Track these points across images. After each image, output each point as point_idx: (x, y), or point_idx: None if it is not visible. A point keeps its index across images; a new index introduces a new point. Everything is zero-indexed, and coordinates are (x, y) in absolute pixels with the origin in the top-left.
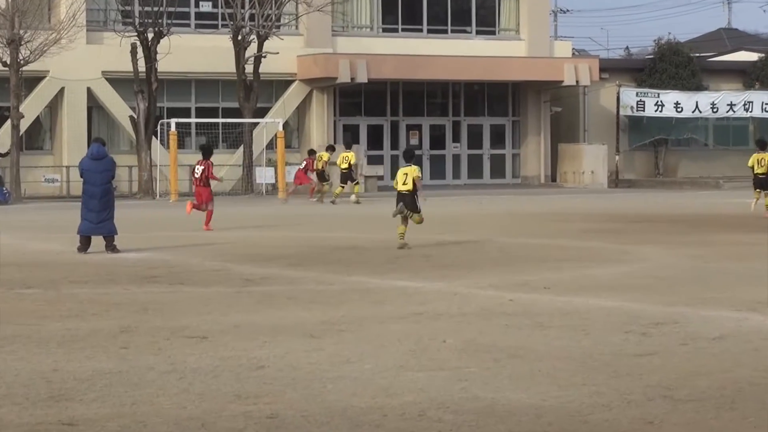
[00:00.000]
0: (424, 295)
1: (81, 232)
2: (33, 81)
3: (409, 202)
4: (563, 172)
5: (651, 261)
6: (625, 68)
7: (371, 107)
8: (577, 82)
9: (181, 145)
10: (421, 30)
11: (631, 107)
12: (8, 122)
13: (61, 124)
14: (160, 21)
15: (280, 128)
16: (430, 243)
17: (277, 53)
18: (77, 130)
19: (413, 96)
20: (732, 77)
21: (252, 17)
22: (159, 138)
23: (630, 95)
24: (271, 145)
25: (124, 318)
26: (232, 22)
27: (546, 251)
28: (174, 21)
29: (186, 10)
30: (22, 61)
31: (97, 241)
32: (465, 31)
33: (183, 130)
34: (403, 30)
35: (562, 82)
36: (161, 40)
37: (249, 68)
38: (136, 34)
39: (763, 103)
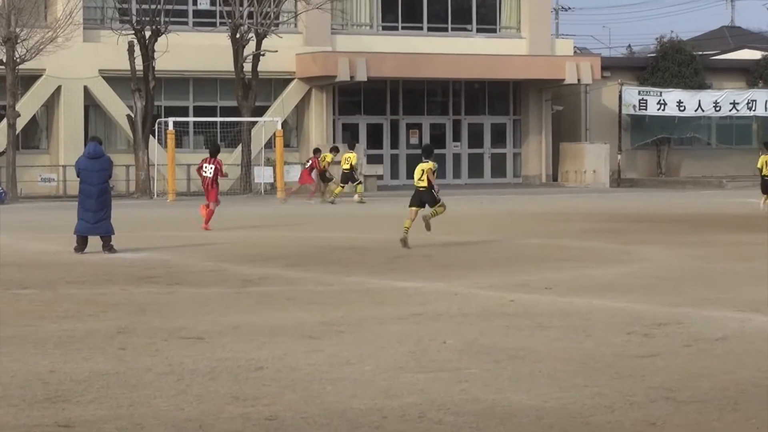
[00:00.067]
0: (424, 296)
1: (78, 232)
2: (29, 79)
3: (427, 198)
4: (565, 172)
5: (653, 261)
6: (627, 66)
7: (371, 106)
8: (578, 80)
9: (178, 144)
10: (421, 28)
11: (633, 106)
12: (4, 121)
13: (58, 123)
14: (157, 19)
15: (279, 127)
16: (430, 243)
17: (276, 51)
18: (74, 129)
19: (413, 95)
20: (735, 76)
21: (250, 15)
22: (156, 137)
23: (632, 94)
24: (269, 144)
25: (122, 319)
26: (230, 20)
27: (547, 251)
28: (171, 19)
29: (184, 7)
30: (18, 60)
31: (94, 241)
32: (465, 29)
33: (181, 129)
34: (403, 28)
35: (563, 80)
36: (159, 38)
37: (247, 67)
38: (133, 32)
39: (766, 101)
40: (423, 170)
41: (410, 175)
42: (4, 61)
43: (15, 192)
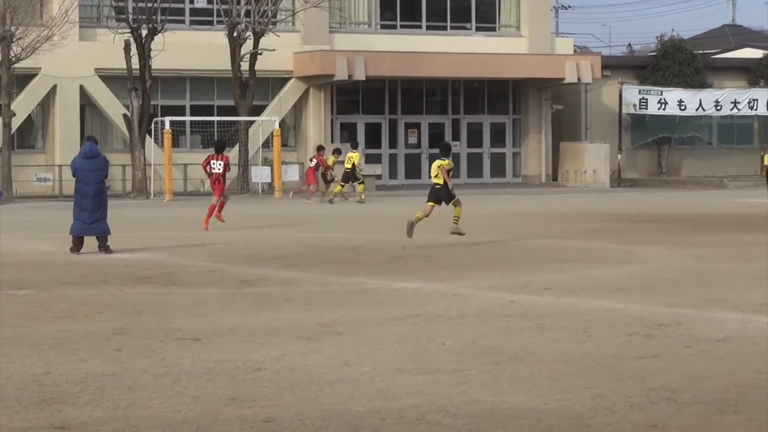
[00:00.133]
0: (423, 297)
1: (74, 232)
2: (25, 78)
3: (443, 194)
4: (564, 171)
5: (654, 262)
6: (627, 65)
7: (369, 105)
8: (578, 79)
9: (175, 143)
10: (420, 26)
11: (634, 105)
12: (0, 120)
13: (54, 122)
14: (154, 17)
15: (277, 127)
16: (429, 243)
17: (274, 50)
18: (70, 128)
19: (412, 94)
20: (736, 75)
21: (248, 13)
22: (153, 136)
23: (632, 93)
24: (267, 144)
25: (118, 320)
26: (227, 19)
27: (547, 251)
28: (168, 17)
29: (180, 6)
30: (13, 58)
31: (90, 242)
32: (465, 28)
33: (177, 129)
34: (401, 26)
35: (563, 79)
36: (155, 37)
37: (245, 65)
38: (129, 30)
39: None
40: (439, 166)
41: (409, 174)
42: (0, 59)
43: (10, 192)
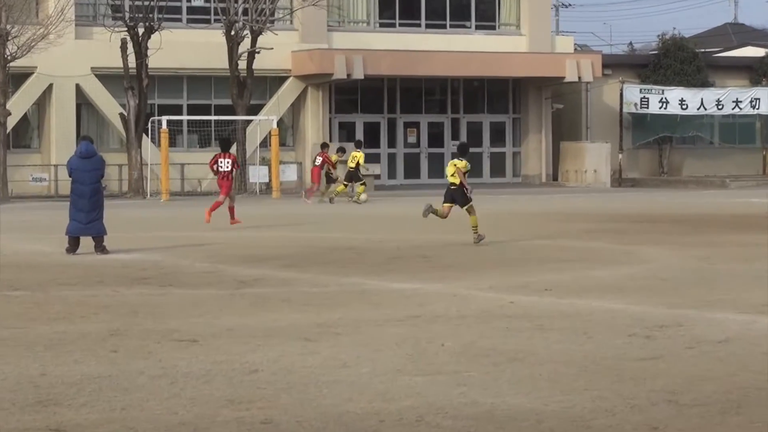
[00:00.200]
0: (423, 297)
1: (69, 232)
2: (20, 77)
3: (458, 196)
4: (565, 171)
5: (655, 262)
6: (628, 64)
7: (368, 104)
8: (579, 78)
9: (172, 143)
10: (419, 25)
11: (635, 104)
12: None
13: (49, 121)
14: (150, 15)
15: (275, 126)
16: (428, 243)
17: (271, 49)
18: (66, 127)
19: (411, 93)
20: (738, 73)
21: (245, 12)
22: (150, 136)
23: (633, 92)
24: (264, 143)
25: (114, 321)
26: (224, 17)
27: (547, 252)
28: (165, 15)
29: (177, 4)
30: (9, 57)
31: (86, 242)
32: (464, 26)
33: (174, 128)
34: (400, 25)
35: (563, 78)
36: (152, 35)
37: (242, 64)
38: (126, 29)
39: None
40: (455, 165)
41: (408, 174)
42: None
43: (6, 192)
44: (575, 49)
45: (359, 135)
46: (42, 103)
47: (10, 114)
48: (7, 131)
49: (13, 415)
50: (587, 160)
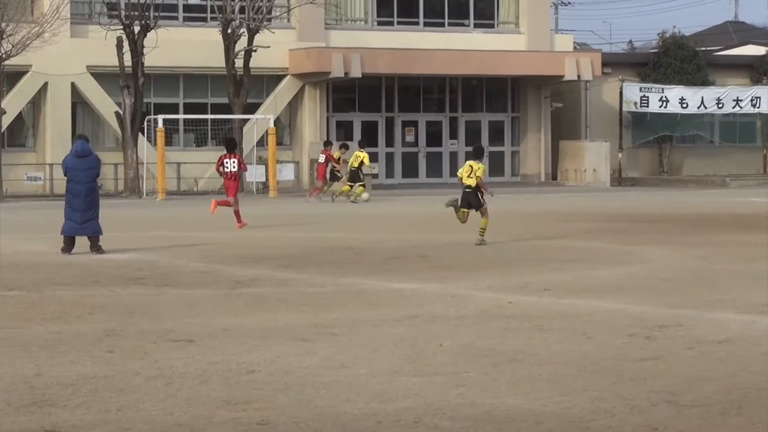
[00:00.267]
0: (421, 297)
1: (65, 232)
2: (15, 76)
3: (473, 199)
4: (564, 170)
5: (655, 262)
6: (628, 62)
7: (365, 103)
8: (578, 76)
9: (168, 142)
10: (417, 23)
11: (635, 103)
12: None
13: (45, 120)
14: (146, 13)
15: (271, 125)
16: (426, 243)
17: (268, 47)
18: (61, 126)
19: (409, 91)
20: (739, 72)
21: (242, 9)
22: (146, 135)
23: (633, 90)
24: (261, 143)
25: (110, 321)
26: (221, 15)
27: (546, 252)
28: (161, 13)
29: (174, 2)
30: (3, 56)
31: (82, 242)
32: (463, 24)
33: (170, 127)
34: (398, 23)
35: (563, 76)
36: (148, 34)
37: (239, 62)
38: (122, 27)
39: None
40: (471, 167)
41: (406, 174)
42: None
43: (0, 191)
44: (574, 48)
45: (357, 134)
46: (37, 101)
47: (5, 113)
48: (2, 130)
49: (8, 416)
50: (587, 160)
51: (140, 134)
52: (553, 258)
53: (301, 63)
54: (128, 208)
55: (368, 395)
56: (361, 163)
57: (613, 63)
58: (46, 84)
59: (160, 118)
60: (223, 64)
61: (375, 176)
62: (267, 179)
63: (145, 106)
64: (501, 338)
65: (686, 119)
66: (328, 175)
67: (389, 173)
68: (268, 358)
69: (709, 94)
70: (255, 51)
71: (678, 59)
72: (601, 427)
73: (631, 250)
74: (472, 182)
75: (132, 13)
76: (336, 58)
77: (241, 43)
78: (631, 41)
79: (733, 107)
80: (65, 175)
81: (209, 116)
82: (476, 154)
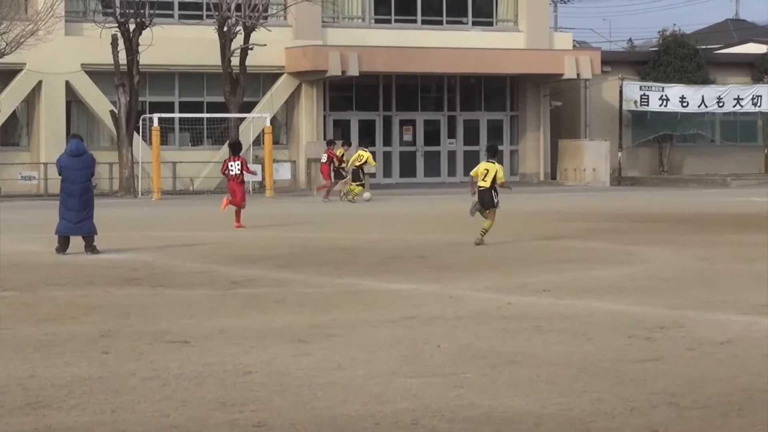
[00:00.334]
0: (418, 298)
1: (59, 232)
2: (9, 74)
3: (486, 200)
4: (564, 170)
5: (655, 262)
6: (628, 61)
7: (363, 102)
8: (578, 75)
9: (163, 141)
10: (415, 21)
11: (635, 102)
12: None
13: (39, 119)
14: (142, 11)
15: (268, 123)
16: (424, 243)
17: (265, 45)
18: (55, 125)
19: (407, 90)
20: (740, 70)
21: (238, 7)
22: (141, 134)
23: (633, 89)
24: (258, 142)
25: (104, 322)
26: (217, 13)
27: (545, 252)
28: (156, 11)
29: (169, 0)
30: None
31: (76, 242)
32: (461, 22)
33: (166, 126)
34: (396, 21)
35: (562, 75)
36: (143, 32)
37: (235, 61)
38: (116, 25)
39: None
40: (488, 170)
41: (404, 173)
42: None
43: None
44: (574, 46)
45: (354, 133)
46: (31, 100)
47: None
48: None
49: (2, 417)
50: (586, 159)
51: (135, 133)
52: (553, 258)
53: (298, 61)
54: (123, 208)
55: (366, 397)
56: (365, 162)
57: (612, 61)
58: (40, 82)
59: (156, 116)
60: (219, 62)
61: (372, 176)
62: (263, 179)
63: (140, 105)
64: (500, 339)
65: (687, 118)
66: (332, 174)
67: (387, 173)
68: (265, 359)
69: (710, 92)
70: (251, 49)
71: (678, 57)
72: (601, 429)
73: (631, 250)
74: (487, 184)
75: (127, 10)
76: (333, 56)
77: (238, 41)
78: (631, 39)
79: (734, 106)
80: (60, 175)
81: (205, 115)
82: (490, 154)
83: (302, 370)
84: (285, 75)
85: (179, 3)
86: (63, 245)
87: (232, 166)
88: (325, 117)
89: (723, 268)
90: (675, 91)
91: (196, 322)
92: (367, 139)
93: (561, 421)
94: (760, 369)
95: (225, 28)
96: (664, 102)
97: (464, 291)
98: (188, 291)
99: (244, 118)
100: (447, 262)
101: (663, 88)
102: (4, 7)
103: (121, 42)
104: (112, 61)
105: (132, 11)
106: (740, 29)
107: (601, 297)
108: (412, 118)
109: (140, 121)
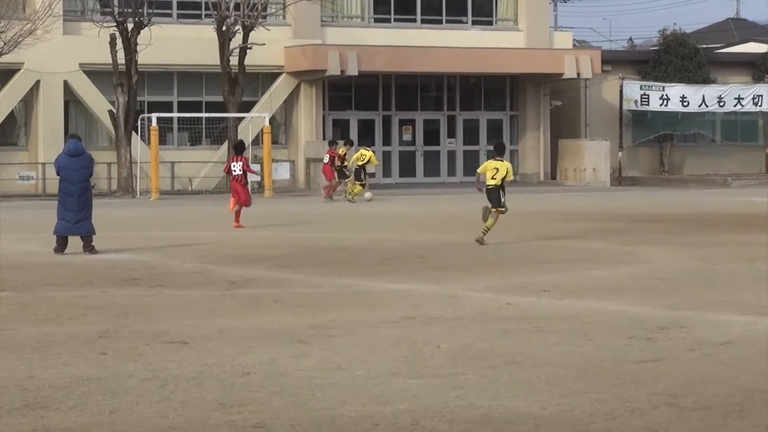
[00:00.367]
0: (418, 299)
1: (57, 232)
2: (7, 74)
3: (494, 198)
4: (564, 170)
5: (656, 262)
6: (628, 60)
7: (362, 101)
8: (578, 74)
9: (162, 140)
10: (414, 20)
11: (635, 101)
12: None
13: (37, 118)
14: (140, 10)
15: (267, 123)
16: (424, 243)
17: (264, 44)
18: (53, 125)
19: (406, 89)
20: (740, 70)
21: (237, 6)
22: (139, 133)
23: (633, 89)
24: (257, 141)
25: (103, 322)
26: (216, 12)
27: (545, 252)
28: (155, 10)
29: None
30: None
31: (75, 242)
32: (461, 22)
33: (164, 125)
34: (395, 20)
35: (562, 74)
36: (142, 31)
37: (234, 60)
38: (115, 24)
39: None
40: (497, 169)
41: (403, 173)
42: None
43: None
44: (574, 45)
45: (353, 132)
46: (29, 99)
47: None
48: None
49: (0, 418)
50: (586, 159)
51: (134, 133)
52: (553, 258)
53: (297, 61)
54: (122, 208)
55: (365, 397)
56: (368, 161)
57: (613, 61)
58: (38, 82)
59: (154, 116)
60: (217, 61)
61: (372, 175)
62: (262, 178)
63: (138, 105)
64: (499, 340)
65: (687, 118)
66: (336, 174)
67: (386, 172)
68: (264, 360)
69: (711, 92)
70: (250, 48)
71: (679, 57)
72: (601, 430)
73: (631, 250)
74: (497, 183)
75: (125, 9)
76: (332, 55)
77: (236, 41)
78: (631, 38)
79: (735, 105)
80: (58, 175)
81: (204, 115)
82: (498, 151)
83: (301, 371)
84: (284, 74)
85: (178, 2)
86: (61, 245)
87: (234, 166)
88: (324, 117)
89: (723, 268)
90: (675, 90)
91: (195, 322)
92: (367, 138)
93: (561, 422)
94: (760, 369)
95: (224, 28)
96: (665, 101)
97: (464, 291)
98: (187, 291)
99: (243, 118)
100: (447, 263)
101: (663, 87)
102: (1, 6)
103: (119, 41)
104: (110, 61)
105: (130, 10)
106: (741, 28)
107: (601, 297)
108: (411, 118)
109: (139, 121)
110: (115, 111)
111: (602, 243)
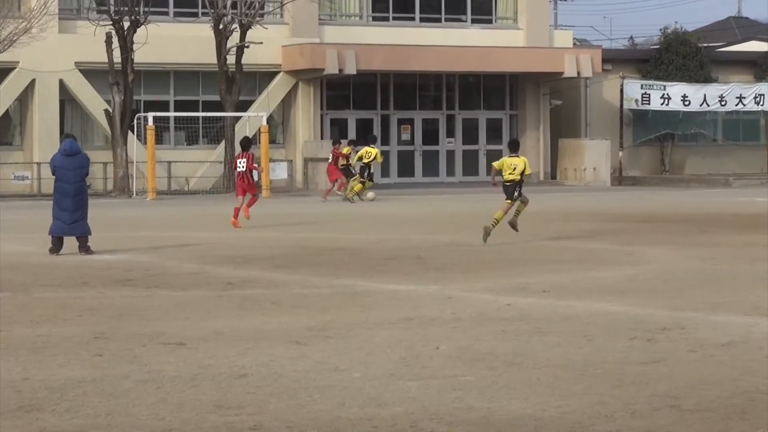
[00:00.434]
0: (416, 300)
1: (53, 232)
2: (2, 72)
3: (510, 192)
4: (564, 169)
5: (657, 263)
6: (629, 59)
7: (360, 100)
8: (578, 73)
9: (158, 140)
10: (413, 18)
11: (636, 100)
12: None
13: (32, 118)
14: (136, 9)
15: (264, 122)
16: (422, 244)
17: (261, 43)
18: (49, 124)
19: (405, 88)
20: (742, 68)
21: (234, 5)
22: (135, 133)
23: (634, 88)
24: (254, 141)
25: (99, 323)
26: (213, 10)
27: (545, 252)
28: (151, 9)
29: None
30: None
31: (70, 242)
32: (460, 20)
33: (161, 125)
34: (394, 18)
35: (562, 73)
36: (138, 29)
37: (231, 59)
38: (111, 22)
39: None
40: (515, 165)
41: (402, 173)
42: None
43: None
44: (574, 44)
45: (352, 132)
46: (24, 99)
47: None
48: None
49: None
50: (586, 158)
51: (130, 132)
52: (553, 259)
53: (295, 59)
54: (118, 208)
55: (363, 399)
56: (374, 158)
57: (613, 59)
58: (33, 81)
59: (150, 115)
60: (214, 60)
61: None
62: (259, 178)
63: (134, 104)
64: (499, 341)
65: (688, 117)
66: (342, 173)
67: (384, 172)
68: (261, 361)
69: (712, 91)
70: (247, 47)
71: (680, 56)
72: None
73: (632, 250)
74: (515, 177)
75: (121, 8)
76: (330, 54)
77: (233, 39)
78: (632, 37)
79: (736, 105)
80: (53, 175)
81: (200, 114)
82: (512, 148)
83: (299, 373)
84: (281, 73)
85: (174, 0)
86: (57, 246)
87: (240, 163)
88: (322, 116)
89: (725, 268)
90: (677, 89)
91: (192, 323)
92: (368, 137)
93: (561, 424)
94: (762, 371)
95: (221, 26)
96: (666, 101)
97: (463, 292)
98: (183, 292)
99: (240, 117)
100: (445, 263)
101: (664, 86)
102: None
103: (115, 40)
104: (106, 60)
105: (126, 9)
106: (743, 27)
107: (601, 298)
108: (410, 117)
109: (135, 120)
110: (111, 110)
111: (602, 243)
